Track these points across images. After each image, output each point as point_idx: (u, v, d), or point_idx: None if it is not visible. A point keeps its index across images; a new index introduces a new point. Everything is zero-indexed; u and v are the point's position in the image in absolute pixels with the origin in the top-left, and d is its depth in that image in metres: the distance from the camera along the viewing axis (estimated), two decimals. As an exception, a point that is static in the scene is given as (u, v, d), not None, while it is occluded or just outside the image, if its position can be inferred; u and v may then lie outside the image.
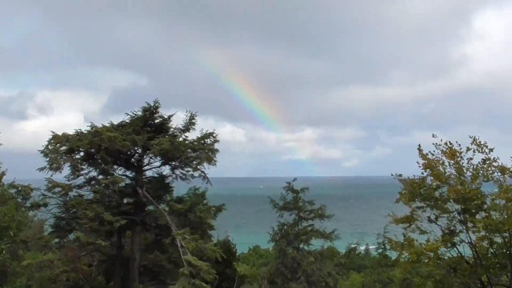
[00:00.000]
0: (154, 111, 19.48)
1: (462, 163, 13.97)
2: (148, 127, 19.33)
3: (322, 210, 26.88)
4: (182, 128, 19.31)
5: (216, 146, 19.36)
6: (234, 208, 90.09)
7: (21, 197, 17.42)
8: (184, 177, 19.07)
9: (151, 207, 19.17)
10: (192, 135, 19.28)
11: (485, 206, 13.69)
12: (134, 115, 19.23)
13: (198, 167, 18.93)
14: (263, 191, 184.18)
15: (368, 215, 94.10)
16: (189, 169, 19.02)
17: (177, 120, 19.89)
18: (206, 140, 19.14)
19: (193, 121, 19.42)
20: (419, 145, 14.44)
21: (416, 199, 14.31)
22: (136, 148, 19.14)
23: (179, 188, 19.78)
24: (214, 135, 19.29)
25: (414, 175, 14.19)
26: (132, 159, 19.33)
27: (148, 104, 19.35)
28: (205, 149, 19.00)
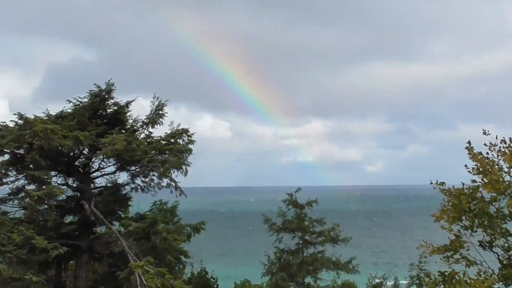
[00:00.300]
0: (106, 96, 18.67)
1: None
2: (98, 118, 18.63)
3: (335, 232, 26.98)
4: (145, 121, 18.65)
5: (192, 146, 19.00)
6: (216, 229, 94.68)
7: None
8: (147, 187, 18.55)
9: (102, 228, 18.53)
10: (159, 131, 18.73)
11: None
12: (78, 102, 18.35)
13: (167, 173, 18.32)
14: (255, 205, 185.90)
15: (397, 239, 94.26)
16: (153, 176, 18.48)
17: (138, 110, 19.17)
18: (177, 139, 18.69)
19: (160, 112, 18.63)
20: (469, 142, 13.68)
21: (464, 217, 13.55)
22: (81, 148, 18.31)
23: (141, 202, 19.52)
24: (189, 133, 18.79)
25: (463, 183, 13.46)
26: (76, 163, 18.56)
27: (98, 87, 18.51)
28: (176, 151, 18.45)
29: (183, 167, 18.49)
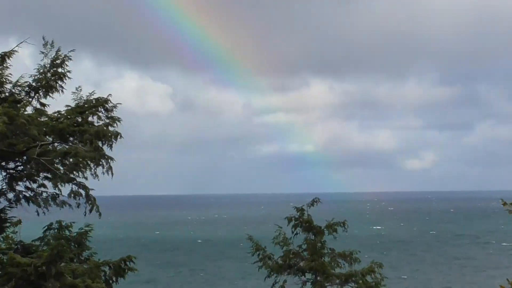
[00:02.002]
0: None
1: None
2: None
3: (375, 276, 27.90)
4: (34, 84, 18.95)
5: (116, 127, 19.38)
6: (153, 268, 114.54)
7: None
8: (35, 198, 18.90)
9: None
10: (57, 103, 19.04)
11: None
12: None
13: (73, 174, 18.70)
14: (221, 226, 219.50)
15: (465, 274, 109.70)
16: (48, 180, 18.83)
17: (22, 63, 18.68)
18: (90, 115, 19.00)
19: (59, 70, 18.88)
20: None
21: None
22: None
23: (28, 223, 19.82)
24: (109, 105, 19.22)
25: None
26: None
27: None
28: (91, 135, 18.76)
29: (103, 162, 18.90)
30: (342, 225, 28.21)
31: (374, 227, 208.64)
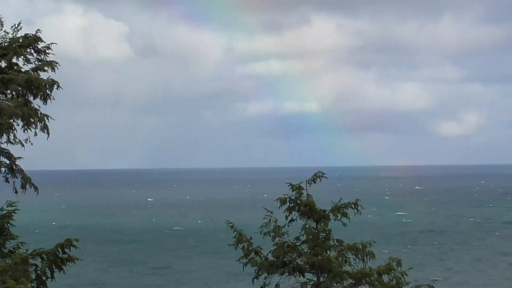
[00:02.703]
0: None
1: None
2: None
3: (397, 273, 28.30)
4: None
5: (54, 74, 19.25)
6: (108, 266, 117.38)
7: None
8: None
9: None
10: None
11: None
12: None
13: None
14: (205, 211, 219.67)
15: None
16: None
17: None
18: (16, 56, 19.02)
19: None
20: None
21: None
22: None
23: None
24: (42, 45, 19.21)
25: None
26: None
27: None
28: (19, 84, 18.61)
29: (35, 120, 18.81)
30: (353, 206, 28.19)
31: (396, 213, 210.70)
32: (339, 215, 28.19)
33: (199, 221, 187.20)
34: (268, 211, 28.56)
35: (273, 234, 28.49)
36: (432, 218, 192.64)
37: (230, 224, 28.67)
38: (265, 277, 28.10)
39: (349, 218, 28.38)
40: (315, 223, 28.38)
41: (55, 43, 18.83)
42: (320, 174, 28.48)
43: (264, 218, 28.60)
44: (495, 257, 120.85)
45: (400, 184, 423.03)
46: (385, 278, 28.20)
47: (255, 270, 28.32)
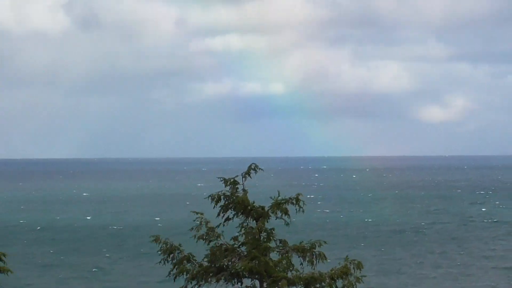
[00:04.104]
0: None
1: None
2: None
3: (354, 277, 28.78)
4: None
5: None
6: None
7: None
8: None
9: None
10: None
11: None
12: None
13: None
14: (137, 209, 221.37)
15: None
16: None
17: None
18: None
19: None
20: None
21: None
22: None
23: None
24: None
25: None
26: None
27: None
28: None
29: None
30: (294, 202, 28.33)
31: (365, 211, 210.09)
32: (280, 213, 28.26)
33: (140, 218, 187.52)
34: (197, 213, 28.84)
35: (206, 237, 28.67)
36: (408, 217, 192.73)
37: (156, 237, 29.00)
38: (196, 285, 28.27)
39: (289, 215, 28.32)
40: (254, 221, 28.48)
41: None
42: (255, 167, 28.50)
43: (195, 220, 28.75)
44: (477, 263, 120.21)
45: (374, 177, 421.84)
46: (340, 283, 28.26)
47: (185, 279, 28.40)
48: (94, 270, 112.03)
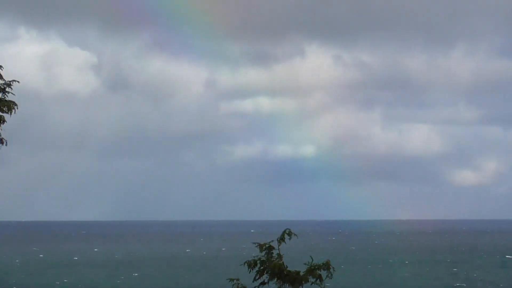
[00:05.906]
0: None
1: None
2: None
3: None
4: None
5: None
6: None
7: None
8: None
9: None
10: None
11: None
12: None
13: None
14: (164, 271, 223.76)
15: None
16: None
17: None
18: None
19: None
20: None
21: None
22: None
23: None
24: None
25: None
26: None
27: None
28: None
29: None
30: (324, 268, 28.78)
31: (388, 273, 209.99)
32: (313, 278, 28.79)
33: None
34: (231, 280, 29.26)
35: None
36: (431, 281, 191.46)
37: None
38: None
39: (322, 280, 28.81)
40: (289, 286, 28.79)
41: (17, 81, 18.57)
42: (289, 232, 28.92)
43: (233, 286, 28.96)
44: None
45: (402, 240, 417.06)
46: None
47: None
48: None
